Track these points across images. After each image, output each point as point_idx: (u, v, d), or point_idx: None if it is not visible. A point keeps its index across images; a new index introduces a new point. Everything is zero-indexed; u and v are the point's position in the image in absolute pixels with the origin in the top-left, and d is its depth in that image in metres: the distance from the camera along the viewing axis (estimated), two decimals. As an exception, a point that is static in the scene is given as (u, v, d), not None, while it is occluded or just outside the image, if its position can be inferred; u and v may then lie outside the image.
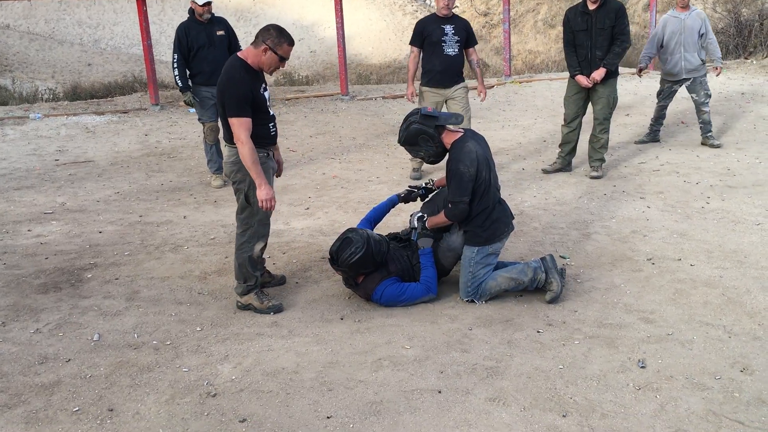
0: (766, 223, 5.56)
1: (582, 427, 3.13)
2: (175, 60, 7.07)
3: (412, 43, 7.07)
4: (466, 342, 3.93)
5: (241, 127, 3.99)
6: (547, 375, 3.57)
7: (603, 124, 6.99)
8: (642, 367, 3.60)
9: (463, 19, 7.17)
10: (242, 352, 3.90)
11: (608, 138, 7.11)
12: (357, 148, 8.85)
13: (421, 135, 4.40)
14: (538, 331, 4.03)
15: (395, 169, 7.74)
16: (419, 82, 7.24)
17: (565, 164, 7.37)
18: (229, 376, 3.65)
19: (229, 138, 4.18)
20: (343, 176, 7.56)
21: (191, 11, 7.14)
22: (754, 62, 13.28)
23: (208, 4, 7.02)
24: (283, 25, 4.27)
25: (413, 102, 7.23)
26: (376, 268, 4.40)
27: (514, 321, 4.17)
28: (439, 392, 3.44)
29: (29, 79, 17.45)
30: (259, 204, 4.12)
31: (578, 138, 7.28)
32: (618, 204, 6.22)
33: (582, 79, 6.84)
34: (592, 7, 6.71)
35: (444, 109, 7.08)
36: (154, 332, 4.18)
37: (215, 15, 7.25)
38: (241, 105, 3.99)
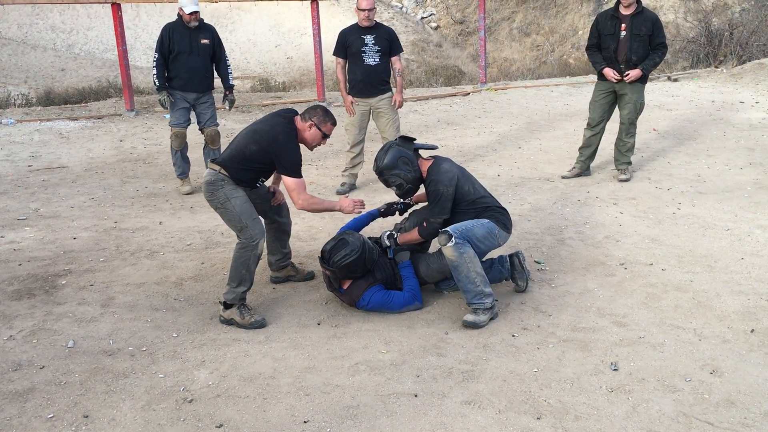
0: (735, 229, 5.67)
1: (556, 429, 3.18)
2: (155, 59, 7.06)
3: (336, 53, 7.11)
4: (442, 346, 3.97)
5: (299, 187, 4.31)
6: (521, 378, 3.61)
7: (629, 128, 7.10)
8: (614, 369, 3.66)
9: (388, 27, 7.23)
10: (219, 358, 3.90)
11: (635, 141, 7.22)
12: (333, 155, 8.87)
13: (401, 157, 4.41)
14: (513, 335, 4.08)
15: (371, 175, 7.76)
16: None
17: (584, 168, 7.43)
18: (206, 382, 3.65)
19: (225, 162, 4.31)
20: (319, 182, 7.57)
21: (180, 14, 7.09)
22: (724, 71, 13.52)
23: (196, 12, 6.96)
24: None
25: (353, 114, 7.12)
26: (363, 274, 4.41)
27: (489, 325, 4.21)
28: (416, 396, 3.47)
29: (1, 84, 17.22)
30: (347, 212, 4.52)
31: (599, 142, 7.34)
32: (591, 210, 6.31)
33: (609, 72, 6.87)
34: (624, 12, 6.75)
35: (371, 120, 7.17)
36: (129, 338, 4.16)
37: (204, 22, 7.21)
38: (298, 168, 4.32)
